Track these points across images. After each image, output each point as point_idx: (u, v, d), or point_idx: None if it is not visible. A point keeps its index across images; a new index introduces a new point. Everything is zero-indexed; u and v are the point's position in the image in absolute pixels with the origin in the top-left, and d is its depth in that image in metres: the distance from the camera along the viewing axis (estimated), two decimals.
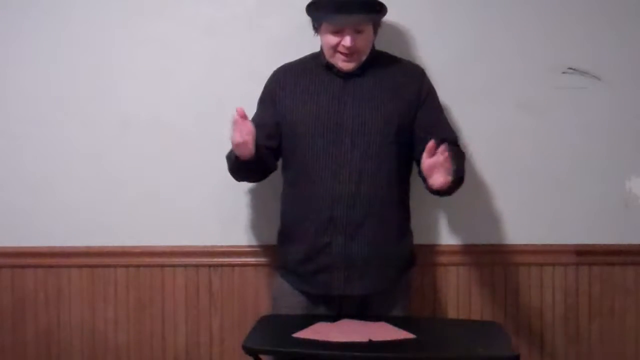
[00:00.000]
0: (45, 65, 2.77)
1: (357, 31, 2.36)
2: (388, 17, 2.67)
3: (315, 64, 2.49)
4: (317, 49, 2.51)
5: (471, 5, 2.75)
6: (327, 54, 2.42)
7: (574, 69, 2.76)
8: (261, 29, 2.75)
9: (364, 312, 2.47)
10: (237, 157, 2.35)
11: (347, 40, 2.35)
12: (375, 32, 2.45)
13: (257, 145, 2.33)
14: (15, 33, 2.76)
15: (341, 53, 2.38)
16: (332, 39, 2.38)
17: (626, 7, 2.76)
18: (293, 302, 2.50)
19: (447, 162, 2.20)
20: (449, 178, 2.22)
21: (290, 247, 2.51)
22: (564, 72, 2.76)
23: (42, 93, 2.78)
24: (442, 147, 2.20)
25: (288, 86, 2.48)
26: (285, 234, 2.54)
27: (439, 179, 2.23)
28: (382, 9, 2.42)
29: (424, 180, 2.31)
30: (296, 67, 2.53)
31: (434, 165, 2.22)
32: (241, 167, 2.39)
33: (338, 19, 2.34)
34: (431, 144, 2.21)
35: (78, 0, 2.76)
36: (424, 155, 2.23)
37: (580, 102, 2.77)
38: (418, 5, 2.74)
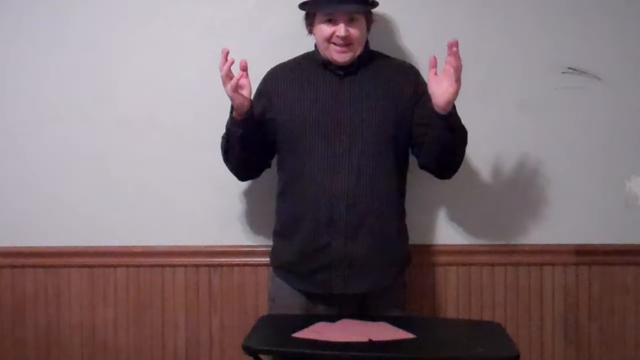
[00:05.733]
0: (45, 66, 2.77)
1: (350, 21, 2.37)
2: (387, 16, 2.68)
3: (310, 62, 2.49)
4: (313, 49, 2.51)
5: (471, 4, 2.75)
6: (322, 47, 2.42)
7: (574, 69, 2.76)
8: (261, 29, 2.75)
9: (363, 310, 2.48)
10: (232, 118, 2.36)
11: (341, 29, 2.35)
12: (368, 28, 2.46)
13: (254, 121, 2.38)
14: (15, 34, 2.76)
15: (335, 44, 2.38)
16: (326, 30, 2.38)
17: (626, 7, 2.76)
18: (292, 302, 2.50)
19: (455, 64, 2.22)
20: (455, 85, 2.23)
21: (288, 246, 2.50)
22: (564, 72, 2.76)
23: (41, 93, 2.78)
24: (451, 47, 2.21)
25: (283, 85, 2.48)
26: (283, 234, 2.53)
27: (448, 89, 2.24)
28: (373, 2, 2.43)
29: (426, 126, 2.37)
30: (291, 66, 2.53)
31: (440, 78, 2.25)
32: (235, 133, 2.38)
33: (332, 7, 2.36)
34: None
35: (77, 1, 2.76)
36: (431, 71, 2.26)
37: (580, 102, 2.77)
38: (417, 5, 2.75)
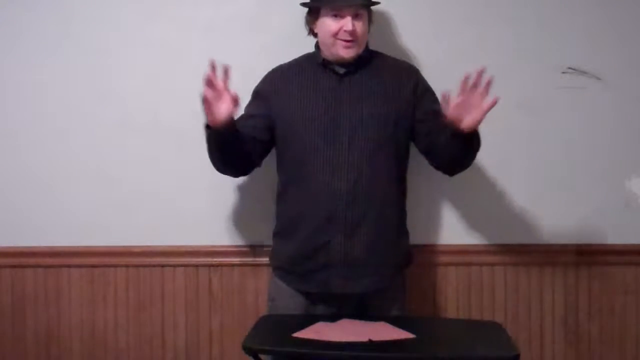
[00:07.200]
0: (45, 66, 2.77)
1: (355, 16, 2.38)
2: (388, 16, 2.68)
3: (310, 63, 2.50)
4: (314, 50, 2.51)
5: (471, 4, 2.75)
6: (328, 42, 2.42)
7: (574, 69, 2.76)
8: (261, 28, 2.75)
9: (362, 311, 2.47)
10: (207, 125, 2.32)
11: (348, 24, 2.36)
12: (368, 27, 2.46)
13: (236, 126, 2.35)
14: (16, 33, 2.76)
15: (342, 40, 2.39)
16: (333, 25, 2.38)
17: (626, 7, 2.76)
18: (291, 302, 2.50)
19: (483, 96, 2.22)
20: (481, 114, 2.23)
21: (287, 246, 2.50)
22: (564, 72, 2.76)
23: (42, 93, 2.78)
24: (483, 77, 2.21)
25: (283, 86, 2.48)
26: (282, 234, 2.53)
27: (473, 118, 2.24)
28: None
29: (437, 141, 2.37)
30: (291, 67, 2.53)
31: (464, 104, 2.23)
32: (212, 140, 2.35)
33: (340, 1, 2.36)
34: (465, 77, 2.22)
35: (78, 1, 2.76)
36: (455, 96, 2.23)
37: (580, 102, 2.77)
38: (418, 5, 2.75)
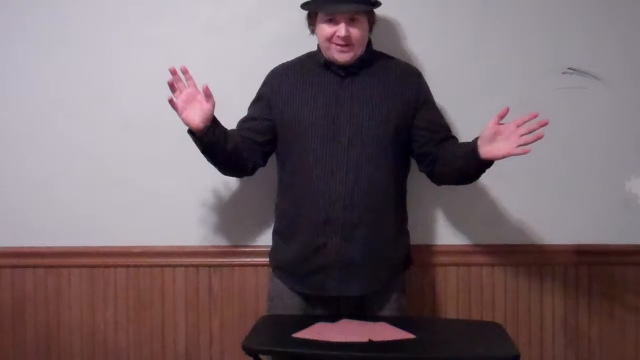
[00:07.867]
0: (46, 66, 2.77)
1: (351, 21, 2.37)
2: (388, 17, 2.68)
3: (311, 62, 2.49)
4: (316, 49, 2.51)
5: (471, 5, 2.75)
6: (323, 46, 2.42)
7: (574, 69, 2.76)
8: (261, 29, 2.75)
9: (360, 312, 2.47)
10: (190, 131, 2.38)
11: (341, 30, 2.35)
12: (370, 28, 2.46)
13: (225, 132, 2.39)
14: (16, 33, 2.76)
15: (336, 44, 2.38)
16: (327, 30, 2.38)
17: (626, 7, 2.76)
18: (290, 303, 2.50)
19: (522, 140, 2.20)
20: (517, 150, 2.21)
21: (286, 247, 2.50)
22: (564, 72, 2.76)
23: (42, 93, 2.78)
24: (537, 119, 2.20)
25: (285, 86, 2.48)
26: (281, 234, 2.53)
27: (497, 149, 2.23)
28: (376, 2, 2.43)
29: (457, 156, 2.36)
30: (293, 66, 2.53)
31: (504, 133, 2.23)
32: (198, 144, 2.39)
33: (333, 7, 2.36)
34: (505, 109, 2.22)
35: (78, 1, 2.76)
36: (493, 119, 2.23)
37: (580, 102, 2.77)
38: (418, 5, 2.75)
